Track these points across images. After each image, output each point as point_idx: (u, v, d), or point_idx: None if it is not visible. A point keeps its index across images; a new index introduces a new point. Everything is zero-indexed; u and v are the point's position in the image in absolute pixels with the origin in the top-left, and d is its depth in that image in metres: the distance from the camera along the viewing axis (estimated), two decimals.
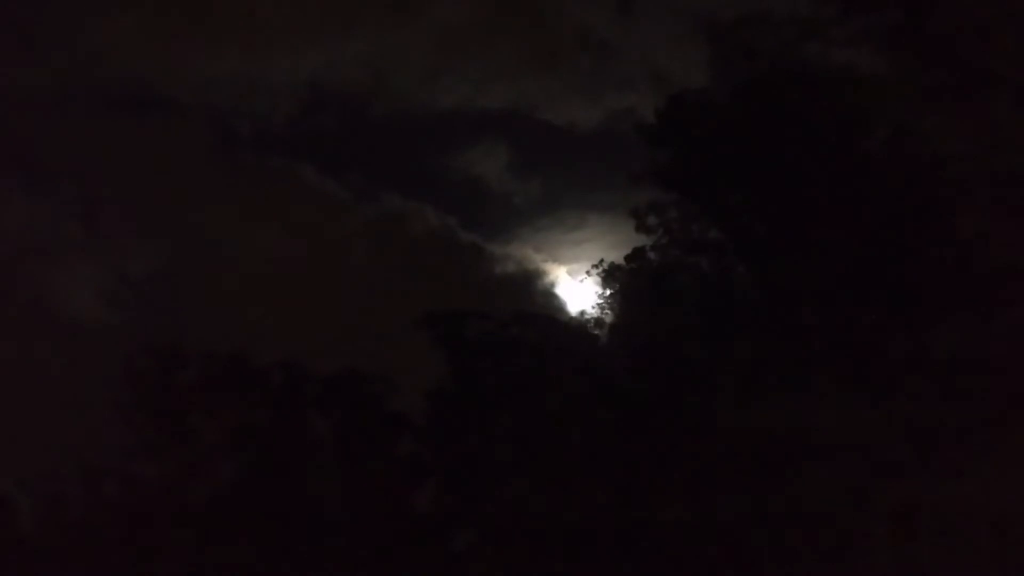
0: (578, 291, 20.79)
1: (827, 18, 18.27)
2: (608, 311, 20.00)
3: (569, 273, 22.17)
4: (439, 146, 26.06)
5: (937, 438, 16.35)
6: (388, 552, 19.88)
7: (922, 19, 17.41)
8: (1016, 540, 16.01)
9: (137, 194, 25.21)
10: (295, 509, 20.49)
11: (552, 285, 22.72)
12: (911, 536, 16.42)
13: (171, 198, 25.08)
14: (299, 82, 26.51)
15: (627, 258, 19.18)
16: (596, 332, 20.05)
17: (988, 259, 16.57)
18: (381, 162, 26.01)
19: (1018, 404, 16.06)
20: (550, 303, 22.28)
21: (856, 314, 17.42)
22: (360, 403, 21.04)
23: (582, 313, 20.38)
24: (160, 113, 26.12)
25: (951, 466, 16.08)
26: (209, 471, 21.10)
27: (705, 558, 17.81)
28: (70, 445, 21.02)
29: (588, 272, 20.00)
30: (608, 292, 19.80)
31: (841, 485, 16.75)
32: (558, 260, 22.78)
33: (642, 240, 18.80)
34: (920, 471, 16.35)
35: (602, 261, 19.79)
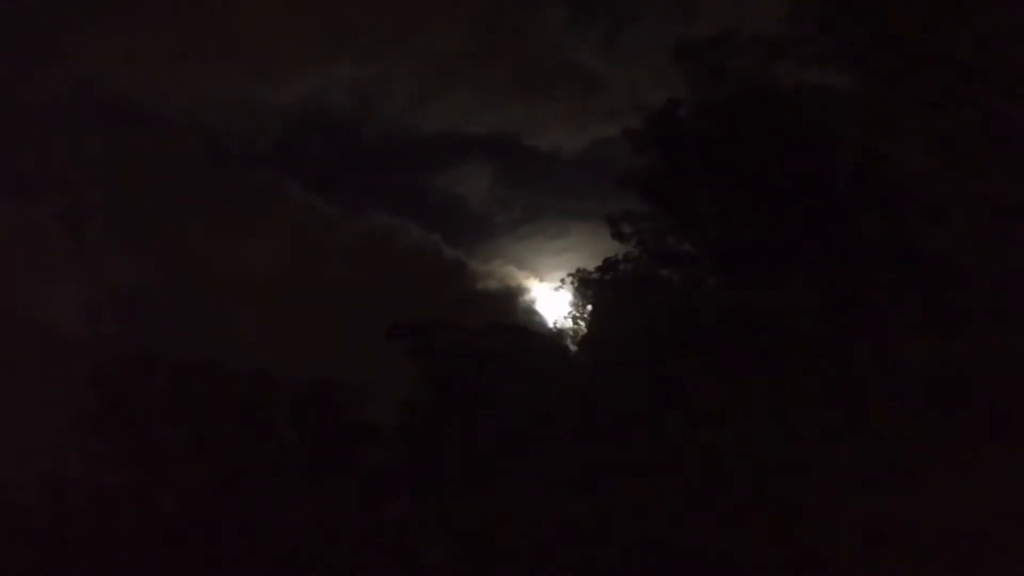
0: (556, 302, 21.01)
1: (798, 38, 18.68)
2: (580, 321, 20.18)
3: (549, 285, 22.36)
4: (426, 166, 26.39)
5: (907, 453, 16.46)
6: (359, 563, 19.80)
7: (889, 40, 17.80)
8: (986, 553, 16.07)
9: (124, 207, 25.40)
10: (265, 519, 20.42)
11: (532, 300, 22.91)
12: (882, 550, 16.46)
13: (158, 212, 25.29)
14: (290, 104, 26.82)
15: (599, 268, 19.41)
16: (566, 343, 20.22)
17: (955, 275, 16.80)
18: (368, 181, 26.32)
19: (987, 418, 16.20)
20: (527, 315, 22.46)
21: (824, 329, 17.57)
22: (332, 413, 21.09)
23: (556, 324, 20.59)
24: (150, 130, 26.40)
25: (922, 480, 16.18)
26: (179, 481, 21.06)
27: (675, 570, 17.79)
28: (37, 454, 20.97)
29: (563, 280, 20.25)
30: (581, 302, 20.00)
31: (811, 499, 16.82)
32: (539, 273, 23.01)
33: (617, 250, 19.10)
34: (891, 485, 16.44)
35: (579, 271, 20.04)
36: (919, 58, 17.51)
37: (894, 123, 17.51)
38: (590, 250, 20.83)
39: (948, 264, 16.72)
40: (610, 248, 19.47)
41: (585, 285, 19.97)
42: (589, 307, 20.28)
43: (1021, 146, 16.82)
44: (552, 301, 21.64)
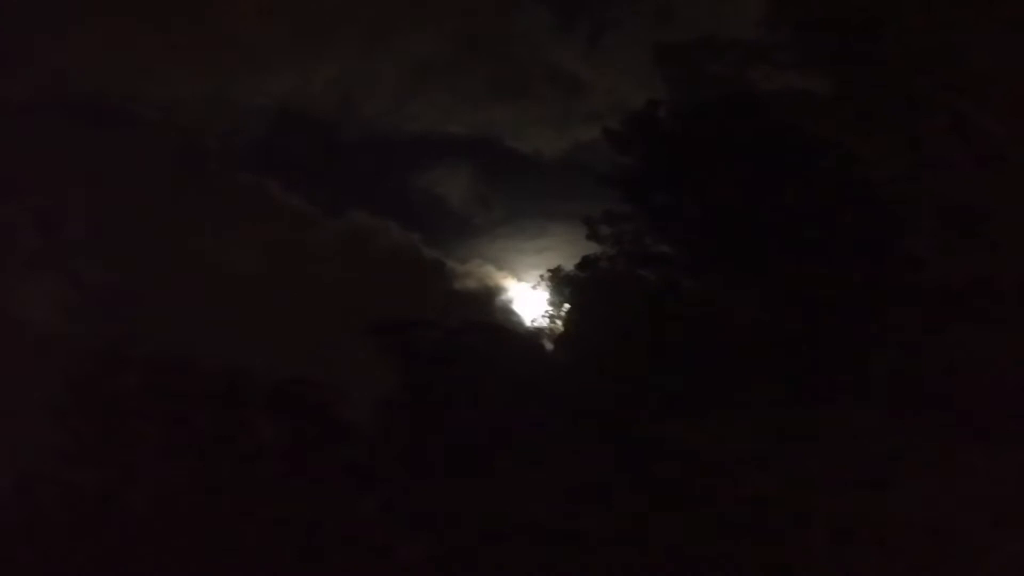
0: (533, 302, 21.15)
1: (774, 44, 18.95)
2: (556, 320, 20.33)
3: (527, 285, 22.49)
4: (406, 166, 26.33)
5: (876, 452, 16.69)
6: (334, 560, 19.77)
7: (863, 46, 18.07)
8: (952, 553, 16.30)
9: (98, 205, 25.19)
10: (239, 517, 20.34)
11: (510, 299, 23.01)
12: (848, 549, 16.67)
13: (133, 209, 25.11)
14: (269, 103, 26.67)
15: (576, 267, 19.59)
16: (542, 341, 20.36)
17: (925, 278, 17.06)
18: (348, 180, 26.21)
19: (955, 420, 16.46)
20: (505, 314, 22.55)
21: (797, 330, 17.77)
22: (308, 411, 21.06)
23: (532, 322, 20.73)
24: (126, 128, 26.18)
25: (889, 480, 16.42)
26: (151, 478, 20.92)
27: (646, 569, 17.91)
28: (5, 451, 20.80)
29: (542, 277, 20.39)
30: (558, 301, 20.15)
31: (781, 498, 17.02)
32: (517, 273, 23.08)
33: (594, 250, 19.29)
34: (858, 485, 16.66)
35: (556, 269, 20.20)
36: (893, 65, 17.81)
37: (868, 127, 17.80)
38: (568, 250, 20.93)
39: (919, 266, 17.00)
40: (588, 249, 19.67)
41: (562, 284, 20.14)
42: (566, 306, 20.43)
43: (991, 151, 17.14)
44: (529, 300, 21.77)
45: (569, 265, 20.35)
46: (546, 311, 20.80)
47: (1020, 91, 16.95)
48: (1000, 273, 16.69)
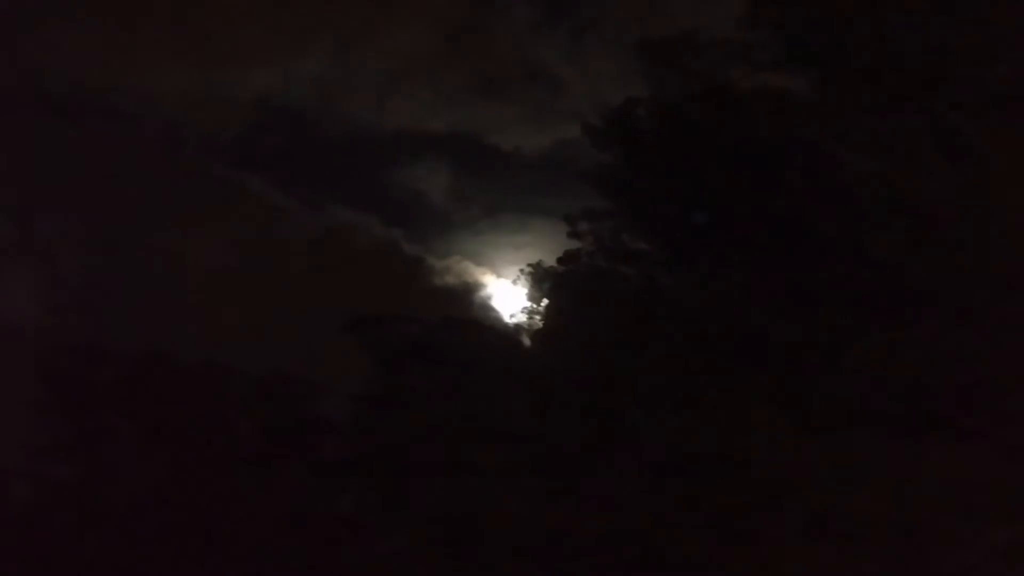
0: (512, 298, 21.22)
1: (753, 43, 19.09)
2: (535, 316, 20.43)
3: (506, 281, 22.57)
4: (387, 163, 26.28)
5: (849, 450, 16.90)
6: (313, 555, 19.79)
7: (842, 48, 18.25)
8: (920, 549, 16.55)
9: (77, 198, 25.04)
10: (217, 511, 20.32)
11: (489, 296, 23.06)
12: (823, 544, 16.88)
13: (112, 203, 24.96)
14: (250, 98, 26.55)
15: (556, 264, 19.69)
16: (520, 337, 20.45)
17: (901, 278, 17.28)
18: (328, 176, 26.14)
19: (924, 416, 16.69)
20: (483, 310, 22.62)
21: (774, 328, 17.94)
22: (286, 405, 21.05)
23: (511, 318, 20.81)
24: (105, 121, 26.02)
25: (859, 476, 16.64)
26: (128, 473, 20.84)
27: (624, 565, 18.05)
28: None
29: (522, 271, 20.47)
30: (537, 296, 20.25)
31: (756, 495, 17.21)
32: (496, 269, 23.14)
33: (574, 246, 19.40)
34: (832, 481, 16.87)
35: (535, 265, 20.27)
36: (871, 66, 17.99)
37: (846, 128, 17.98)
38: (547, 247, 21.00)
39: (891, 265, 17.21)
40: (567, 245, 19.76)
41: (541, 280, 20.23)
42: (545, 302, 20.53)
43: (966, 152, 17.35)
44: (508, 296, 21.84)
45: (548, 261, 20.46)
46: (525, 307, 20.91)
47: (997, 93, 17.16)
48: (970, 272, 16.92)
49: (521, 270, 20.82)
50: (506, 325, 21.06)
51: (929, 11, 17.68)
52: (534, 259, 20.88)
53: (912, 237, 17.26)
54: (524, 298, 20.75)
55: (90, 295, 23.82)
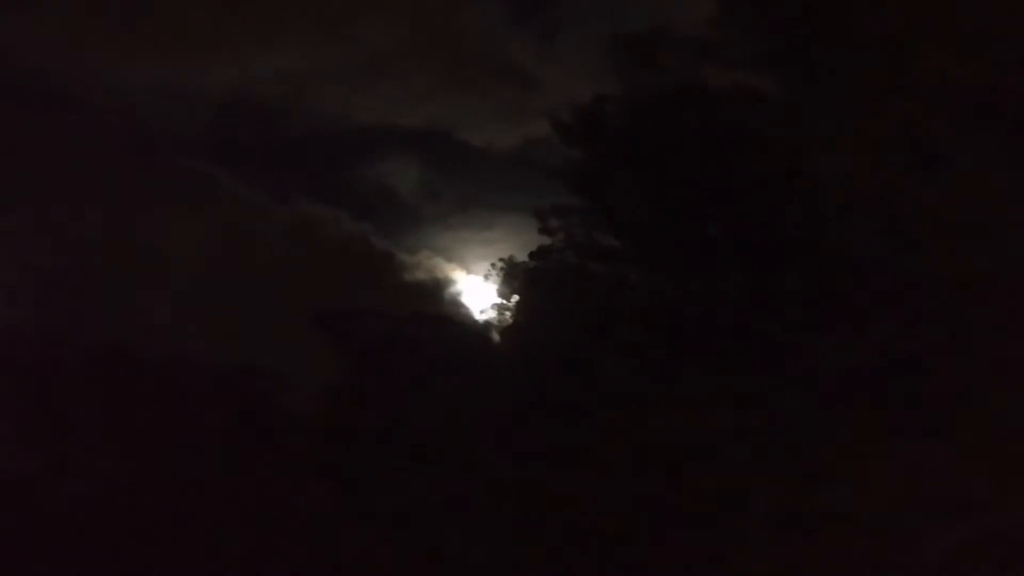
0: (482, 293, 21.20)
1: (723, 42, 19.20)
2: (505, 312, 20.43)
3: (476, 277, 22.52)
4: (357, 157, 26.06)
5: (813, 444, 17.05)
6: (278, 549, 19.65)
7: (811, 47, 18.39)
8: (884, 545, 16.73)
9: (39, 189, 24.62)
10: (181, 506, 20.11)
11: (458, 291, 22.99)
12: (789, 541, 17.02)
13: (76, 194, 24.61)
14: (219, 91, 26.19)
15: (526, 259, 19.73)
16: (490, 333, 20.45)
17: (866, 275, 17.45)
18: (298, 170, 25.87)
19: (887, 415, 16.88)
20: (453, 306, 22.53)
21: (740, 324, 18.06)
22: (253, 399, 20.88)
23: (480, 314, 20.81)
24: (70, 112, 25.62)
25: (824, 472, 16.80)
26: (92, 467, 20.56)
27: (591, 560, 18.11)
28: None
29: (493, 265, 20.45)
30: (507, 292, 20.25)
31: (724, 492, 17.33)
32: (466, 265, 23.06)
33: (544, 242, 19.44)
34: (796, 475, 17.02)
35: (506, 260, 20.28)
36: (841, 68, 18.15)
37: (814, 127, 18.13)
38: (518, 243, 20.97)
39: (859, 265, 17.38)
40: (538, 241, 19.78)
41: (511, 276, 20.23)
42: (515, 298, 20.52)
43: (936, 153, 17.56)
44: (478, 292, 21.80)
45: (519, 257, 20.46)
46: (495, 303, 20.90)
47: (968, 95, 17.36)
48: (937, 272, 17.12)
49: (492, 265, 20.83)
50: (476, 321, 21.05)
51: (900, 16, 17.86)
52: (505, 255, 20.88)
53: (878, 237, 17.44)
54: (494, 294, 20.76)
55: (55, 288, 23.47)
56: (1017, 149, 17.40)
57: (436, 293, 22.94)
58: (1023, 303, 17.05)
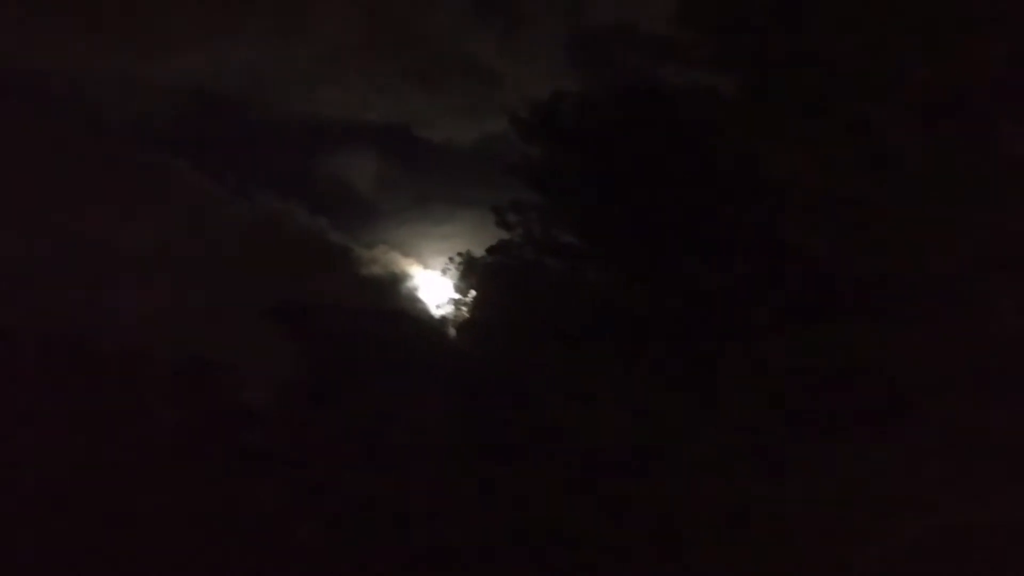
0: (438, 289, 21.18)
1: (682, 41, 19.22)
2: (461, 307, 20.41)
3: (433, 272, 22.51)
4: (315, 151, 25.98)
5: (768, 443, 17.12)
6: (230, 543, 19.53)
7: (768, 48, 18.44)
8: (841, 541, 16.83)
9: None
10: (133, 501, 19.94)
11: (415, 287, 22.97)
12: (740, 539, 17.09)
13: (30, 184, 24.35)
14: (178, 83, 26.05)
15: (483, 255, 19.72)
16: (446, 328, 20.43)
17: (819, 273, 17.54)
18: (255, 163, 25.75)
19: (841, 415, 16.97)
20: (409, 301, 22.51)
21: (695, 321, 18.11)
22: (208, 393, 20.75)
23: (437, 309, 20.78)
24: (26, 101, 25.34)
25: (780, 469, 16.88)
26: (41, 461, 20.34)
27: (542, 557, 18.12)
28: None
29: (451, 259, 20.47)
30: (464, 288, 20.25)
31: (675, 489, 17.36)
32: (423, 260, 23.06)
33: (502, 238, 19.42)
34: (753, 473, 17.08)
35: (463, 255, 20.27)
36: (800, 68, 18.20)
37: (770, 127, 18.15)
38: (475, 238, 21.01)
39: (813, 262, 17.45)
40: (495, 236, 19.80)
41: (469, 271, 20.21)
42: (472, 293, 20.51)
43: (894, 156, 17.65)
44: (435, 287, 21.80)
45: (476, 252, 20.47)
46: (452, 298, 20.88)
47: (927, 94, 17.45)
48: (892, 272, 17.22)
49: (450, 260, 20.81)
50: (432, 316, 21.03)
51: (860, 15, 17.92)
52: (462, 250, 20.88)
53: (835, 236, 17.51)
54: (451, 289, 20.74)
55: (7, 278, 23.19)
56: (977, 148, 17.51)
57: (393, 288, 22.93)
58: (977, 304, 17.17)
